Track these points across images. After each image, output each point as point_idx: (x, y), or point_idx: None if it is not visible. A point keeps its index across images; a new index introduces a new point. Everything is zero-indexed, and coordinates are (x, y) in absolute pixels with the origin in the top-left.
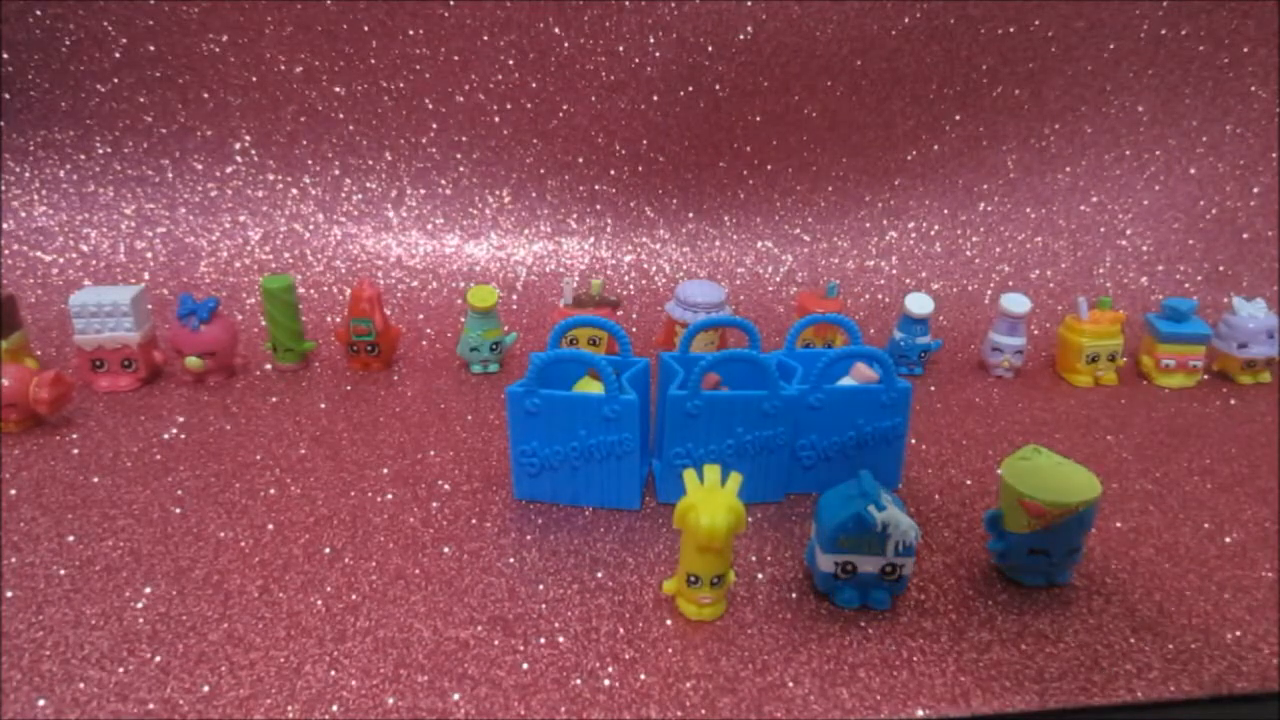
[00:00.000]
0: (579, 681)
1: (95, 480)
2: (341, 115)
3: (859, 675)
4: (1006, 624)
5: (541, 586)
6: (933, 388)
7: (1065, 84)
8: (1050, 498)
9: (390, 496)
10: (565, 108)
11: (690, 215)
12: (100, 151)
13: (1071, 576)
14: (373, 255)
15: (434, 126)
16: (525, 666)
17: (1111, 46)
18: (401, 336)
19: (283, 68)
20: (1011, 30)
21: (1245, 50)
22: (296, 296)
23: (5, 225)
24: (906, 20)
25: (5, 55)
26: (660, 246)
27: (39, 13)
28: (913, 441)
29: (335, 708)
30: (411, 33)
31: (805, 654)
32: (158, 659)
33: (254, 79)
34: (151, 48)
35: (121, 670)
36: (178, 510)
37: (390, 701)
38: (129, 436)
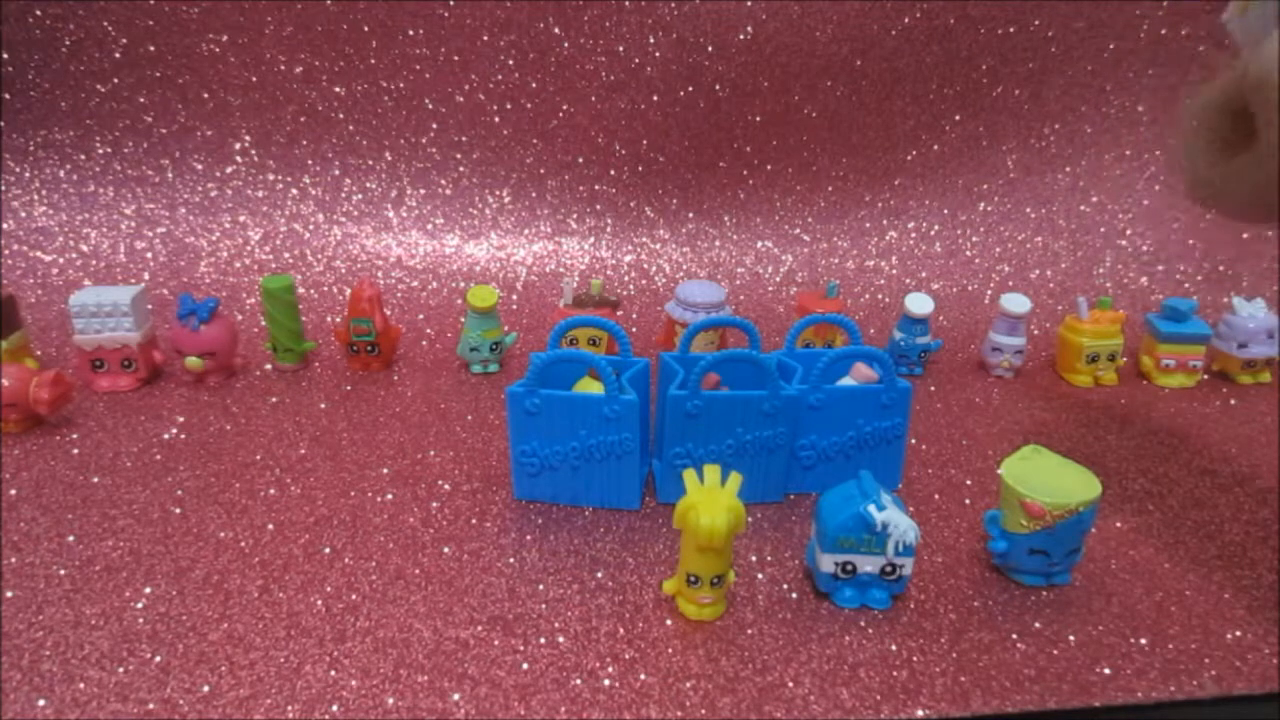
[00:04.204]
0: (579, 681)
1: (95, 480)
2: (341, 115)
3: (859, 675)
4: (1006, 624)
5: (541, 586)
6: (933, 388)
7: (1065, 84)
8: (1050, 498)
9: (390, 496)
10: (565, 108)
11: (690, 215)
12: (100, 151)
13: (1071, 577)
14: (373, 255)
15: (434, 126)
16: (525, 666)
17: (1111, 46)
18: (401, 336)
19: (283, 68)
20: (1011, 30)
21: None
22: (296, 296)
23: (5, 225)
24: (906, 20)
25: (5, 55)
26: (660, 246)
27: (39, 13)
28: (913, 441)
29: (335, 708)
30: (411, 33)
31: (805, 654)
32: (158, 659)
33: (254, 79)
34: (151, 48)
35: (121, 670)
36: (178, 510)
37: (390, 701)
38: (129, 436)
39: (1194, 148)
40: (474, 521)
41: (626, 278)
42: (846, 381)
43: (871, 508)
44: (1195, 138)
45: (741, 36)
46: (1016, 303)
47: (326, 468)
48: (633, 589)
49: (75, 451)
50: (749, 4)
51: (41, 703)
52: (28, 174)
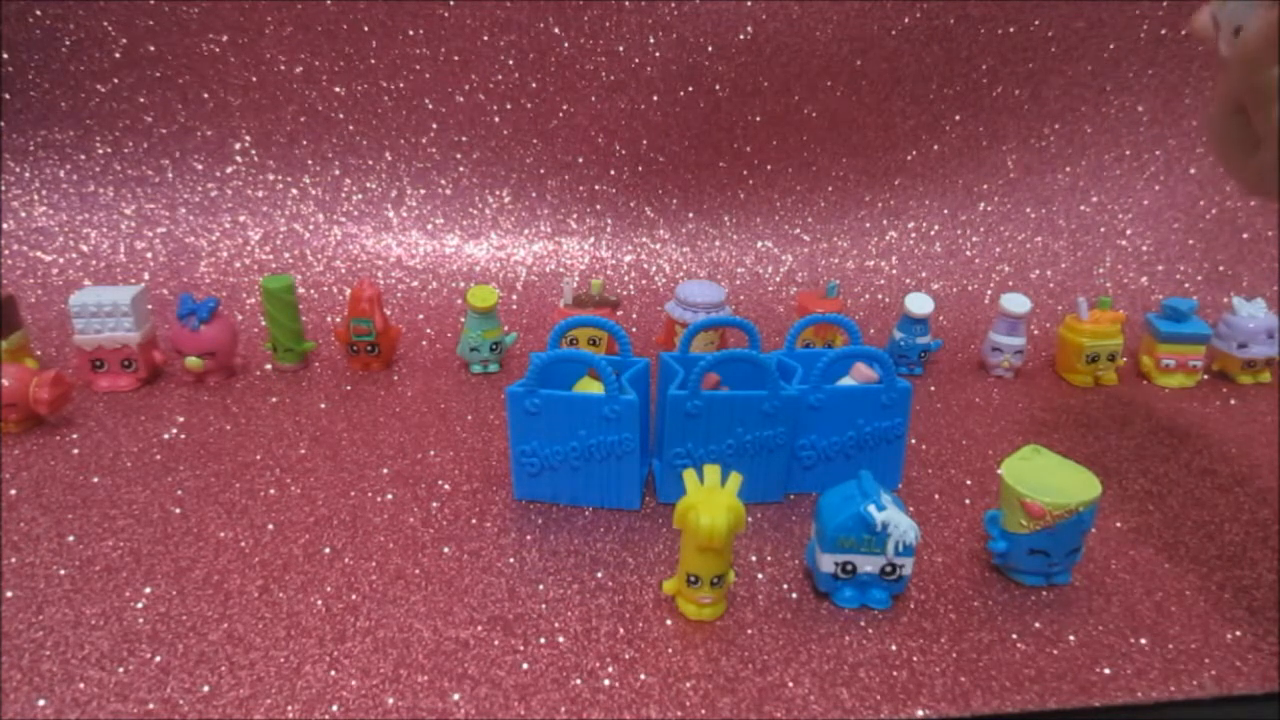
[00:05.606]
0: (579, 681)
1: (95, 480)
2: (341, 115)
3: (859, 675)
4: (1006, 624)
5: (541, 586)
6: (933, 388)
7: (1065, 84)
8: (1050, 498)
9: (390, 496)
10: (565, 108)
11: (690, 215)
12: (100, 151)
13: (1071, 576)
14: (373, 255)
15: (434, 126)
16: (525, 666)
17: (1111, 46)
18: (401, 336)
19: (283, 68)
20: (1011, 30)
21: None
22: (296, 296)
23: (5, 225)
24: (906, 20)
25: (5, 55)
26: (660, 246)
27: (39, 13)
28: (913, 441)
29: (335, 708)
30: (411, 33)
31: (805, 654)
32: (158, 659)
33: (254, 79)
34: (151, 48)
35: (121, 670)
36: (178, 510)
37: (390, 701)
38: (129, 436)
39: (1227, 156)
40: (474, 521)
41: (626, 278)
42: (846, 381)
43: (871, 508)
44: (1222, 146)
45: (741, 36)
46: (1016, 303)
47: (326, 468)
48: (633, 589)
49: (75, 451)
50: (749, 4)
51: (41, 703)
52: (28, 174)
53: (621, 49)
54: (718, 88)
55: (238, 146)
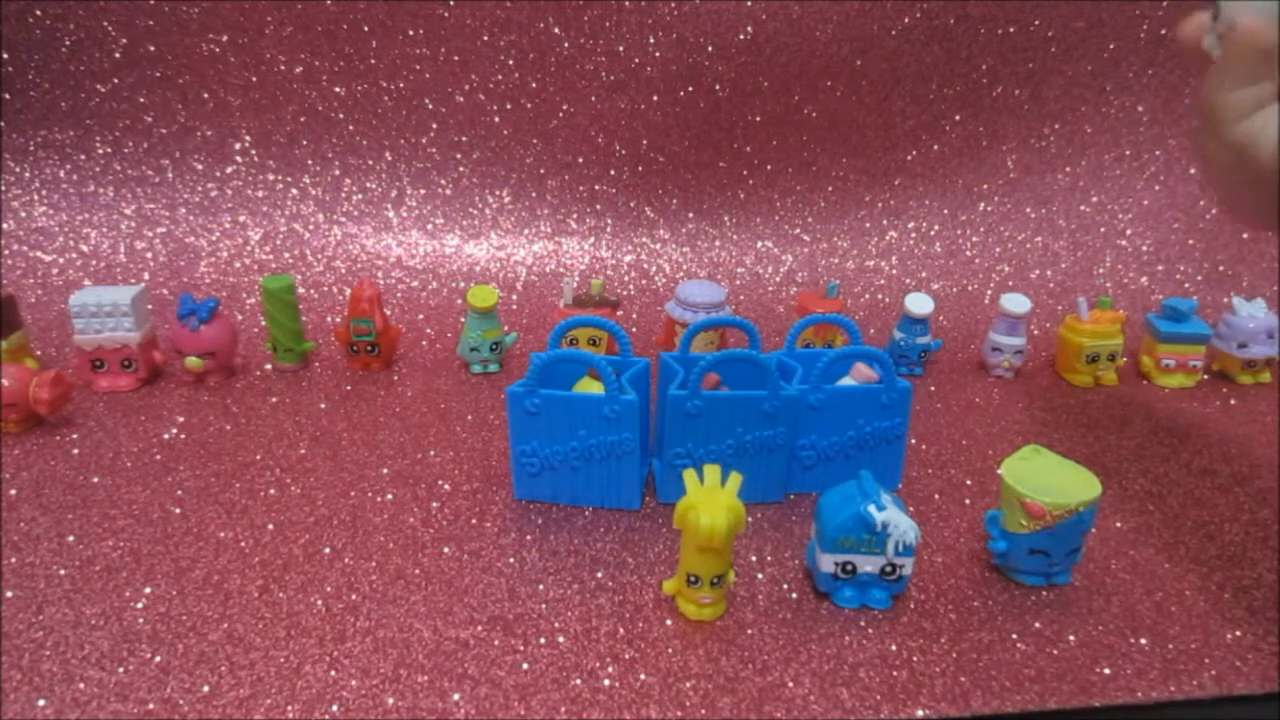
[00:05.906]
0: (579, 681)
1: (95, 480)
2: (341, 115)
3: (859, 675)
4: (1006, 624)
5: (541, 586)
6: (933, 388)
7: (1065, 84)
8: (1050, 498)
9: (390, 496)
10: (565, 108)
11: (690, 215)
12: (100, 151)
13: (1071, 576)
14: (373, 255)
15: (434, 126)
16: (525, 666)
17: (1111, 46)
18: (401, 336)
19: (283, 68)
20: (1011, 30)
21: None
22: (296, 296)
23: (5, 225)
24: (906, 20)
25: (5, 55)
26: (660, 246)
27: (39, 13)
28: (913, 441)
29: (335, 708)
30: (411, 33)
31: (805, 654)
32: (158, 659)
33: (254, 79)
34: (151, 48)
35: (121, 670)
36: (178, 510)
37: (390, 701)
38: (129, 436)
39: (1207, 177)
40: (474, 521)
41: (626, 278)
42: (846, 381)
43: (871, 508)
44: (1203, 166)
45: (741, 36)
46: (1016, 303)
47: (326, 468)
48: (633, 589)
49: (75, 451)
50: (749, 4)
51: (41, 703)
52: (28, 174)
53: (621, 49)
54: (718, 88)
55: (238, 146)
